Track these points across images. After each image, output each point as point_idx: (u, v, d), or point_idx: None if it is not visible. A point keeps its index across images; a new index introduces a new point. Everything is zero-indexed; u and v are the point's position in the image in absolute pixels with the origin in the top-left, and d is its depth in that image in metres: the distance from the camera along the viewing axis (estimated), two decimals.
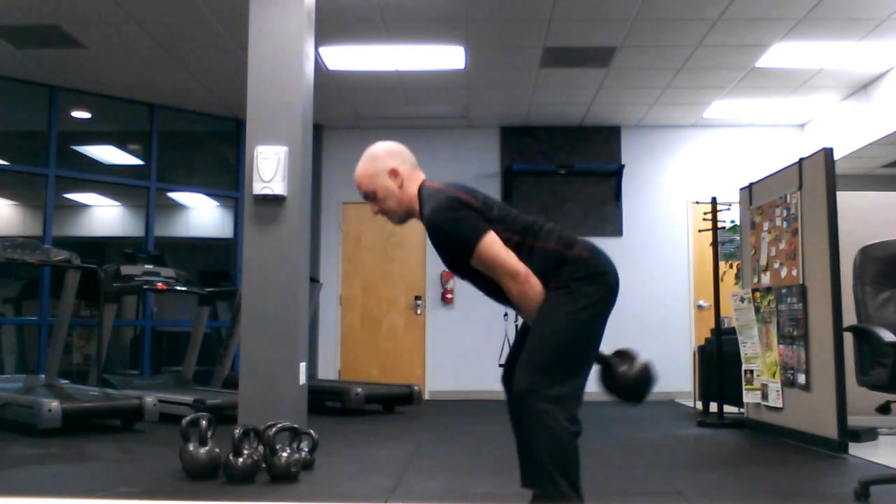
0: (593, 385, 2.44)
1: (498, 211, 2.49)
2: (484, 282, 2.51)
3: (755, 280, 5.87)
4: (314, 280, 7.58)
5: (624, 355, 2.51)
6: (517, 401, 2.40)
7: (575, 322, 2.38)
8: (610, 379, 2.50)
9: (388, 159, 2.58)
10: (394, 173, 2.56)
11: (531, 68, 7.07)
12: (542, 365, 2.36)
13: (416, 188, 2.57)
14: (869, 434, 5.19)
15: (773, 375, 5.51)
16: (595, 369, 2.49)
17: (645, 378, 2.48)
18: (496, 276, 2.42)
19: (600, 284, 2.43)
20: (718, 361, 6.36)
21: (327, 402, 6.95)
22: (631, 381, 2.48)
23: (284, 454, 3.78)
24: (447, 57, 6.82)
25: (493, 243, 2.39)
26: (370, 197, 2.60)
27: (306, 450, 4.10)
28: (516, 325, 2.59)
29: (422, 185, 2.57)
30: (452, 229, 2.43)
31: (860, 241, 3.72)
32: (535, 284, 2.39)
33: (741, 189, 6.27)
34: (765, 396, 5.63)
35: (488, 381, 8.07)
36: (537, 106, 8.16)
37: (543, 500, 2.35)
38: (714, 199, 6.77)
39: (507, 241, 2.43)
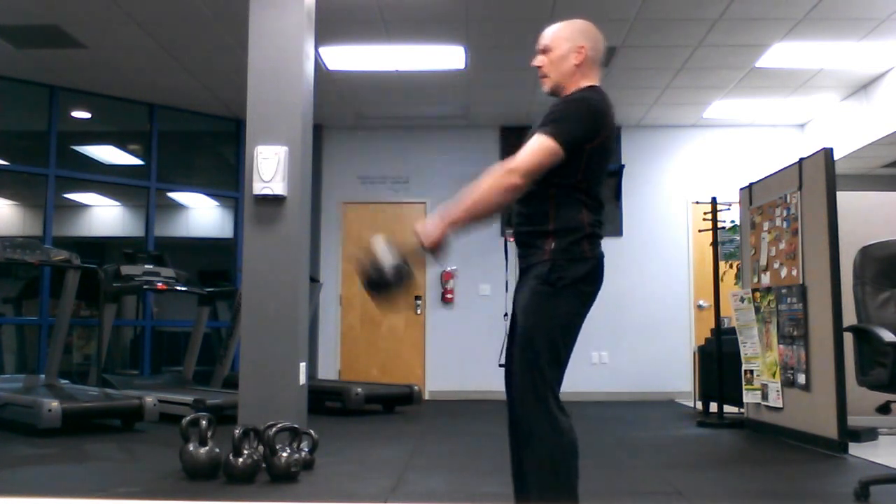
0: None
1: (595, 160, 2.51)
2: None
3: (755, 280, 5.87)
4: (314, 280, 7.57)
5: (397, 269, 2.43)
6: (519, 402, 2.40)
7: (560, 321, 2.41)
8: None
9: (584, 38, 2.62)
10: (579, 50, 2.59)
11: (531, 68, 7.04)
12: (539, 364, 2.36)
13: (583, 79, 2.57)
14: (869, 434, 5.19)
15: (773, 375, 5.51)
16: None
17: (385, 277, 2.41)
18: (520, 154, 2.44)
19: (581, 294, 2.45)
20: (718, 361, 6.35)
21: (327, 402, 6.94)
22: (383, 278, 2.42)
23: (284, 454, 3.78)
24: (447, 57, 6.82)
25: (547, 149, 2.39)
26: (544, 52, 2.65)
27: (306, 450, 4.10)
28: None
29: (590, 86, 2.57)
30: (565, 110, 2.47)
31: (860, 241, 3.73)
32: (503, 184, 2.38)
33: (741, 189, 6.27)
34: (765, 396, 5.63)
35: (488, 381, 8.06)
36: (537, 106, 8.15)
37: (539, 500, 2.35)
38: (714, 199, 6.77)
39: (569, 166, 2.44)
